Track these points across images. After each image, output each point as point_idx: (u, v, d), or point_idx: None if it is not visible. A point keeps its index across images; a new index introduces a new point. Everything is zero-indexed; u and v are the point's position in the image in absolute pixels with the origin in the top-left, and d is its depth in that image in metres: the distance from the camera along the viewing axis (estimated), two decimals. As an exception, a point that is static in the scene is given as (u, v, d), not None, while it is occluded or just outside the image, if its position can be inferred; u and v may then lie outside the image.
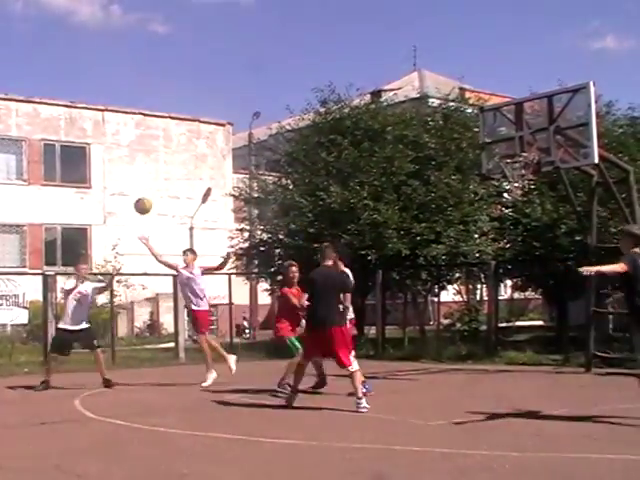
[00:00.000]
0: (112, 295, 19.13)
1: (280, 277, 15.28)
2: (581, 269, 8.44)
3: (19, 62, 76.91)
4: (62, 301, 13.06)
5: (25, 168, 28.56)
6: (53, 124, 29.03)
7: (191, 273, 12.64)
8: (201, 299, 12.61)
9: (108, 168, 29.94)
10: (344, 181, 18.64)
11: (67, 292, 12.60)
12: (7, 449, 7.60)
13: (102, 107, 30.14)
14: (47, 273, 19.13)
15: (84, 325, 12.51)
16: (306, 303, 10.09)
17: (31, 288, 19.97)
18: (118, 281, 20.91)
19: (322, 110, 20.44)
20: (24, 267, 27.19)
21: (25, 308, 20.44)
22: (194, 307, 12.65)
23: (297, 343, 10.81)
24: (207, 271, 13.07)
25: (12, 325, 21.03)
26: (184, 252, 13.12)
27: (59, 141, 29.09)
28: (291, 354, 10.86)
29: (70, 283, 12.65)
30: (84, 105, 29.88)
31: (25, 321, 20.12)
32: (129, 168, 30.27)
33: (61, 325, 12.68)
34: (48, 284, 17.64)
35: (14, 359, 17.13)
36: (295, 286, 11.22)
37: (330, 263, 10.14)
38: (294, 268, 11.37)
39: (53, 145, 29.00)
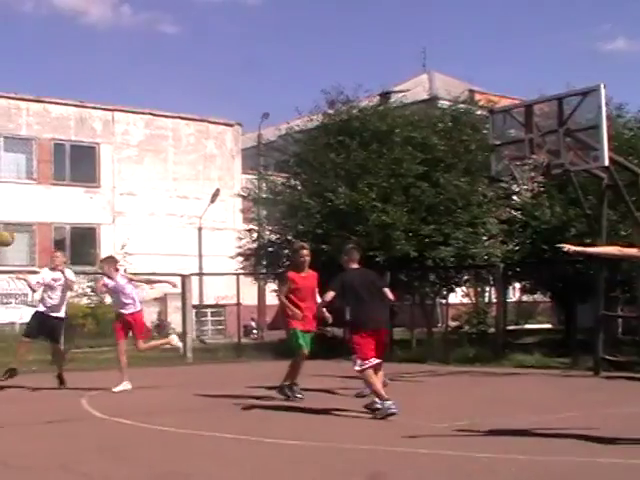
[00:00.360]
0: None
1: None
2: (561, 245, 7.84)
3: (29, 62, 77.24)
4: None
5: (35, 167, 28.68)
6: (63, 124, 29.13)
7: (113, 281, 12.28)
8: (132, 304, 12.28)
9: (117, 168, 30.04)
10: (352, 182, 18.63)
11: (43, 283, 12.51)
12: (13, 447, 7.61)
13: (112, 107, 30.25)
14: (56, 272, 19.14)
15: (59, 314, 12.41)
16: (329, 298, 9.32)
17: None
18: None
19: (330, 111, 20.43)
20: (33, 266, 27.24)
21: (34, 307, 20.41)
22: (124, 311, 12.21)
23: (301, 340, 10.19)
24: (134, 281, 12.77)
25: (21, 324, 21.03)
26: (100, 261, 12.91)
27: (69, 140, 29.21)
28: (295, 348, 10.29)
29: (45, 274, 12.54)
30: (94, 105, 30.00)
31: (34, 320, 20.12)
32: (138, 168, 30.37)
33: (38, 308, 12.61)
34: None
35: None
36: (306, 271, 10.41)
37: (356, 265, 9.71)
38: (305, 251, 10.48)
39: (63, 145, 29.12)
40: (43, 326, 12.43)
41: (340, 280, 9.47)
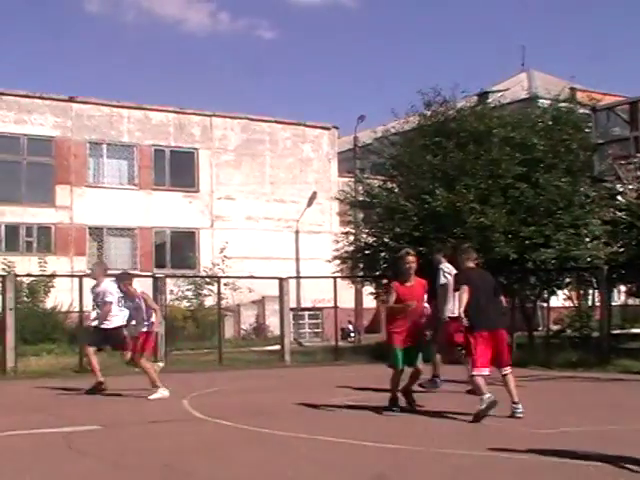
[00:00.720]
0: (219, 297, 19.46)
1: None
2: None
3: (131, 70, 79.38)
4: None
5: (136, 173, 29.41)
6: (163, 130, 29.79)
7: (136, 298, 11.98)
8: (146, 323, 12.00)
9: (215, 172, 30.53)
10: (450, 184, 18.41)
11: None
12: (119, 446, 7.78)
13: (210, 112, 30.75)
14: (157, 275, 19.60)
15: (109, 325, 12.16)
16: (466, 294, 9.09)
17: (142, 290, 20.53)
18: (225, 284, 21.25)
19: (427, 112, 20.25)
20: (135, 269, 27.94)
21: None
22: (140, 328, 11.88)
23: (398, 358, 9.59)
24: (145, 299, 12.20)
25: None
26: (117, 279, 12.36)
27: (168, 146, 29.85)
28: (391, 365, 9.77)
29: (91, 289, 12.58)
30: (192, 111, 30.56)
31: (136, 322, 20.64)
32: (236, 172, 30.80)
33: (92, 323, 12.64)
34: (158, 286, 18.07)
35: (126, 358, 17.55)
36: (411, 280, 9.72)
37: (472, 264, 9.68)
38: (410, 257, 9.72)
39: (163, 150, 29.78)
40: (102, 338, 12.40)
41: (466, 276, 9.40)
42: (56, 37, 76.85)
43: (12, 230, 27.51)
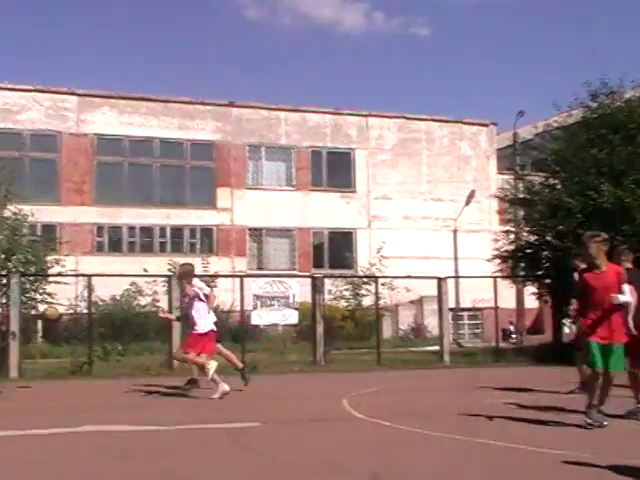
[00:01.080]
0: (377, 298, 19.43)
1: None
2: None
3: (287, 72, 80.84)
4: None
5: (294, 174, 29.88)
6: (319, 131, 30.13)
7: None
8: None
9: (372, 172, 30.57)
10: (617, 179, 17.62)
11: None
12: (280, 443, 7.82)
13: (366, 113, 30.84)
14: (315, 275, 19.78)
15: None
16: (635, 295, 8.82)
17: (301, 290, 20.78)
18: (383, 284, 21.18)
19: (593, 105, 19.44)
20: (294, 269, 28.38)
21: (295, 309, 21.26)
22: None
23: (595, 356, 8.47)
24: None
25: (283, 325, 21.94)
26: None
27: (325, 147, 30.15)
28: (588, 365, 8.82)
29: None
30: (349, 111, 30.74)
31: (295, 321, 20.94)
32: (392, 172, 30.73)
33: None
34: (317, 286, 18.22)
35: (286, 358, 17.82)
36: (603, 267, 8.65)
37: (630, 265, 9.40)
38: (593, 243, 8.63)
39: (320, 152, 30.12)
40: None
41: (629, 277, 8.98)
42: (216, 44, 79.45)
43: (177, 232, 28.56)
